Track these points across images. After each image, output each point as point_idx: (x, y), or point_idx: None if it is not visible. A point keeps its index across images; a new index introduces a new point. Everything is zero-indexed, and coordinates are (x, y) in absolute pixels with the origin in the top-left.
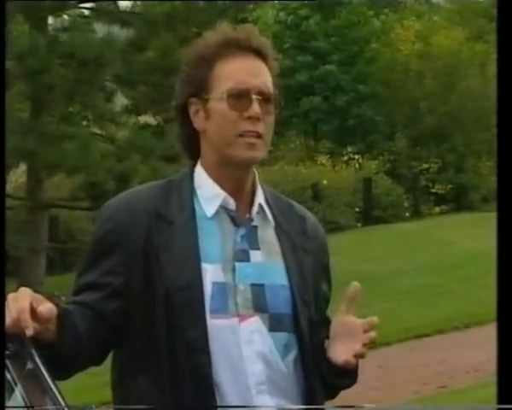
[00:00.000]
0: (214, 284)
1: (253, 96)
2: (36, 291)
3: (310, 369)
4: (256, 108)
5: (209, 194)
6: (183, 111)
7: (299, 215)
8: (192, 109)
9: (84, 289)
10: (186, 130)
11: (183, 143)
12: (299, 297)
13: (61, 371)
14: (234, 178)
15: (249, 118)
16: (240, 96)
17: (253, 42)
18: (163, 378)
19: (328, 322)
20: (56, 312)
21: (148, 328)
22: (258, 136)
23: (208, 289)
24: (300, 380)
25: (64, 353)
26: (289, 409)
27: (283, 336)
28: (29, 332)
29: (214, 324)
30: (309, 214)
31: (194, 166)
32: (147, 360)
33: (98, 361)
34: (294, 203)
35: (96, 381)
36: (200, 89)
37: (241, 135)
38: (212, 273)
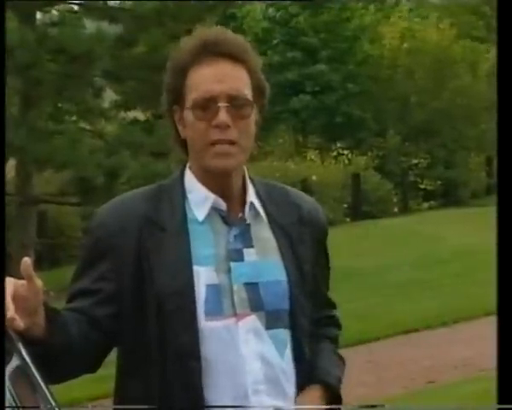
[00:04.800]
0: (208, 286)
1: (220, 104)
2: None
3: (306, 364)
4: (223, 115)
5: (199, 198)
6: (171, 118)
7: (295, 203)
8: (176, 117)
9: (76, 295)
10: (175, 135)
11: (176, 145)
12: (297, 291)
13: (52, 372)
14: (218, 183)
15: (217, 126)
16: (206, 105)
17: (223, 46)
18: (154, 383)
19: (329, 304)
20: (44, 306)
21: (140, 333)
22: (231, 143)
23: (202, 292)
24: (297, 374)
25: (54, 352)
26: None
27: (281, 332)
28: (11, 316)
29: (209, 326)
30: (306, 200)
31: (183, 169)
32: (140, 365)
33: (91, 368)
34: (291, 191)
35: (83, 377)
36: (178, 98)
37: (212, 144)
38: (205, 276)
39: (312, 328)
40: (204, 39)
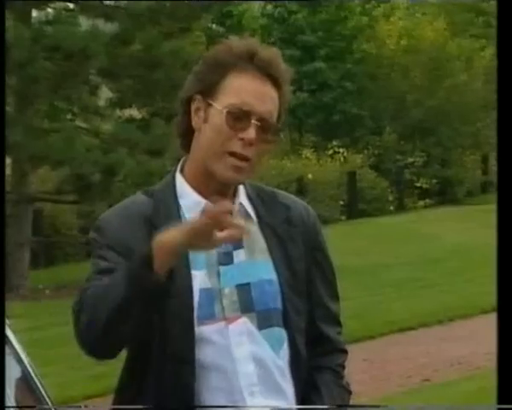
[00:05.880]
0: (202, 290)
1: (253, 121)
2: (19, 285)
3: (303, 361)
4: (252, 132)
5: (190, 203)
6: (186, 104)
7: (284, 204)
8: (194, 106)
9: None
10: (184, 123)
11: (179, 134)
12: (288, 290)
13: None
14: (215, 188)
15: (242, 140)
16: (239, 116)
17: (272, 68)
18: (150, 385)
19: (322, 306)
20: None
21: (140, 334)
22: (247, 160)
23: (196, 296)
24: (295, 373)
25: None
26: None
27: (274, 331)
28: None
29: (202, 330)
30: (294, 201)
31: (174, 173)
32: (138, 366)
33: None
34: (279, 193)
35: (79, 375)
36: (207, 90)
37: (229, 153)
38: (199, 280)
39: (313, 355)
40: (256, 51)
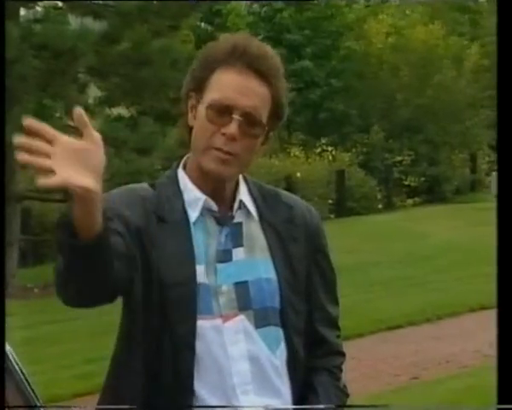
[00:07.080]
0: (202, 284)
1: (234, 116)
2: (8, 283)
3: (300, 361)
4: (233, 128)
5: (191, 198)
6: (185, 102)
7: (286, 204)
8: (189, 103)
9: None
10: (184, 121)
11: (183, 130)
12: (287, 289)
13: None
14: (211, 184)
15: (224, 135)
16: (220, 111)
17: (259, 62)
18: (147, 370)
19: (321, 308)
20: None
21: (141, 318)
22: (230, 154)
23: (197, 288)
24: (291, 372)
25: (101, 253)
26: (284, 409)
27: (272, 330)
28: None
29: (199, 324)
30: (297, 201)
31: (176, 168)
32: (137, 349)
33: (109, 295)
34: (281, 192)
35: (68, 374)
36: (197, 87)
37: (214, 148)
38: (199, 274)
39: (310, 357)
40: (244, 46)
